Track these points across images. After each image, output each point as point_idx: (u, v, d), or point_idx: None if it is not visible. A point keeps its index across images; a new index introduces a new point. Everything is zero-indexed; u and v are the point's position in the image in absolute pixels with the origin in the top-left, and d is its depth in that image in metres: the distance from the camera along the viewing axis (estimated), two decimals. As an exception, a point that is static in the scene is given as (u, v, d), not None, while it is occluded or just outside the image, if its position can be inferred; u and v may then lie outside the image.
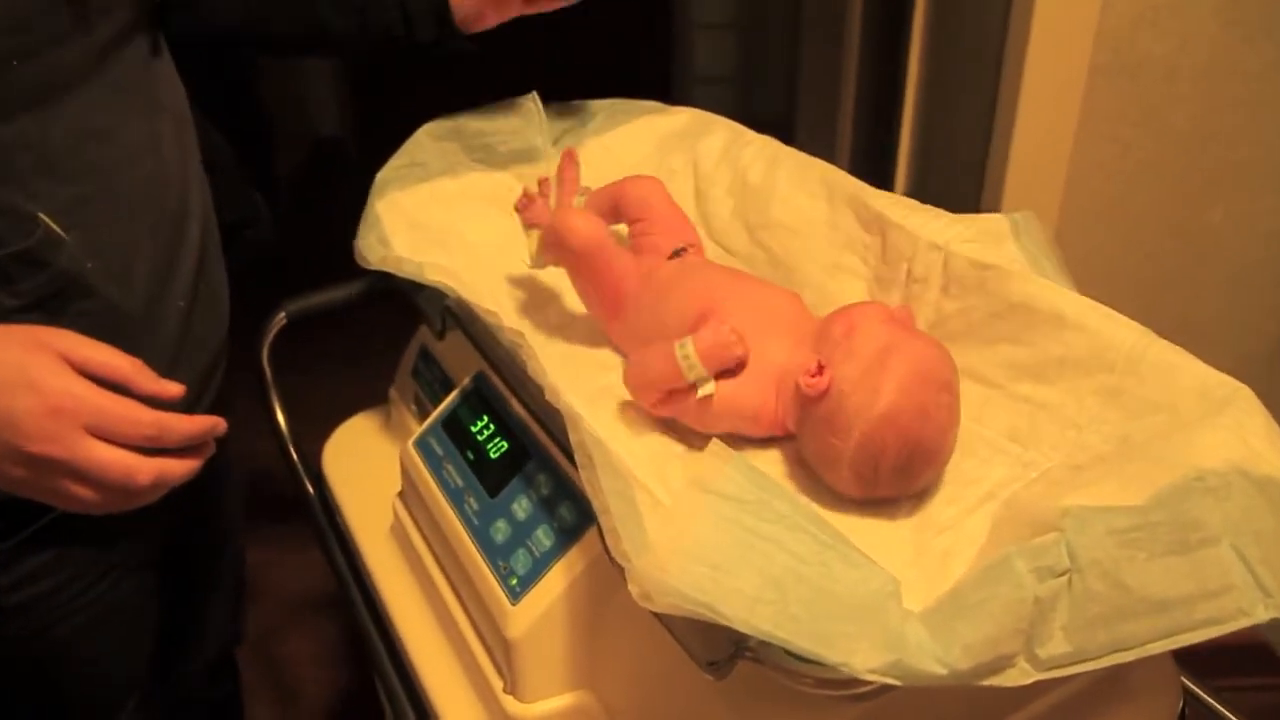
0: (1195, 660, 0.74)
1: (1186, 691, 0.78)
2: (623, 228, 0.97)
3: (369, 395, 1.16)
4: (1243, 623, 0.55)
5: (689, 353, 0.75)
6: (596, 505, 0.63)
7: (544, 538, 0.76)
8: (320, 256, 1.10)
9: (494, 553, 0.79)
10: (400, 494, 0.95)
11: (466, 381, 0.91)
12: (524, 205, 0.96)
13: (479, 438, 0.86)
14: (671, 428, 0.81)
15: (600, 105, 1.13)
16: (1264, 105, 1.37)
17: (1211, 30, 1.31)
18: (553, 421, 0.76)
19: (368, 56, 0.99)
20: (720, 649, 0.60)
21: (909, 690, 0.54)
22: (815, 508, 0.65)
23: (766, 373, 0.78)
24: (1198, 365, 0.70)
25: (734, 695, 0.64)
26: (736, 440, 0.79)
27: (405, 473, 0.92)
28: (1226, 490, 0.58)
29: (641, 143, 1.09)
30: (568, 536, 0.75)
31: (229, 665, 1.27)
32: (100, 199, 0.73)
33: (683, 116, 1.10)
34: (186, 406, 0.85)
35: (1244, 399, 0.66)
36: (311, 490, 1.05)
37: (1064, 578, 0.56)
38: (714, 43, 2.83)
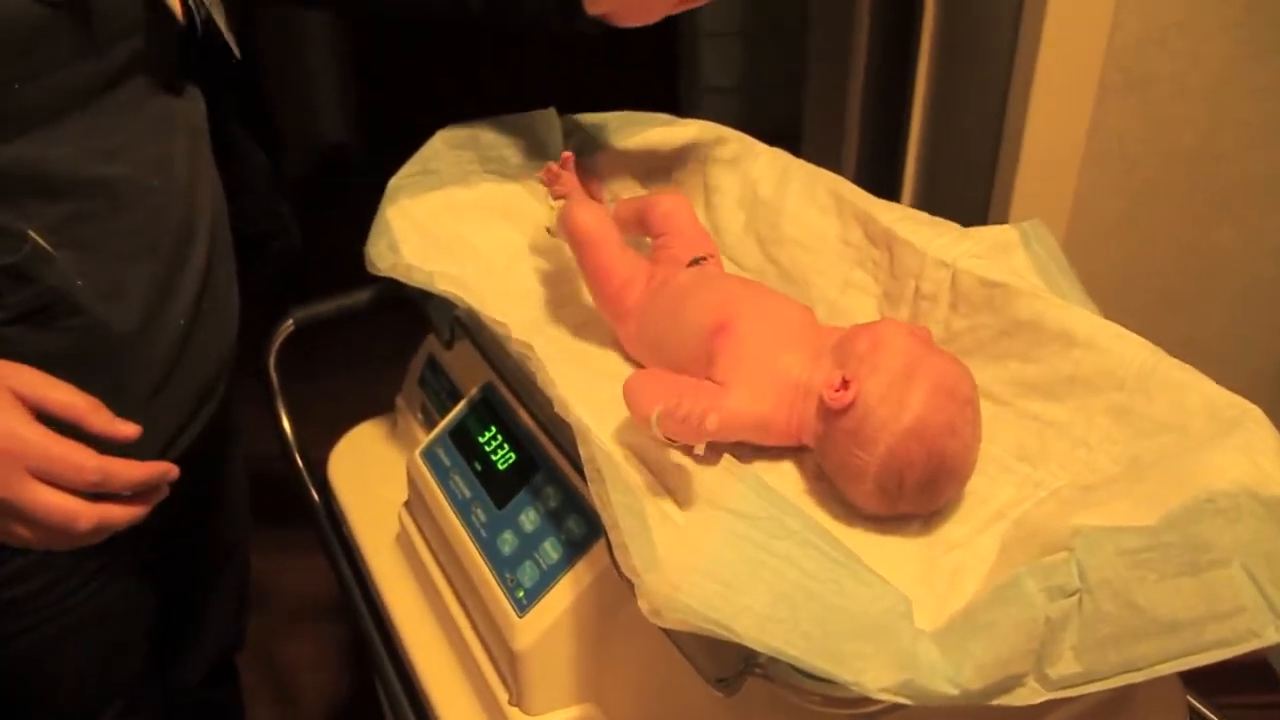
0: (1200, 678, 0.74)
1: (1191, 709, 0.78)
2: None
3: (375, 403, 1.16)
4: (1253, 644, 0.55)
5: (659, 421, 0.71)
6: (606, 519, 0.63)
7: (551, 550, 0.76)
8: (328, 262, 1.10)
9: (501, 564, 0.79)
10: (406, 504, 0.95)
11: (474, 392, 0.91)
12: (550, 179, 0.98)
13: (487, 449, 0.86)
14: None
15: (610, 117, 1.13)
16: (1272, 123, 1.37)
17: (1220, 48, 1.32)
18: (561, 433, 0.76)
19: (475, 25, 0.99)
20: (729, 665, 0.60)
21: (917, 709, 0.54)
22: (827, 525, 0.65)
23: (780, 383, 0.78)
24: (1207, 384, 0.70)
25: (742, 712, 0.64)
26: (747, 453, 0.79)
27: (412, 482, 0.92)
28: (1237, 512, 0.58)
29: (652, 155, 1.09)
30: (575, 549, 0.75)
31: (229, 669, 1.26)
32: (99, 216, 0.73)
33: (692, 128, 1.11)
34: (182, 424, 0.86)
35: (1254, 419, 0.66)
36: (316, 497, 1.05)
37: (1074, 598, 0.56)
38: (721, 52, 2.84)
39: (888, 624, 0.55)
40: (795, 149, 1.05)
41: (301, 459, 1.07)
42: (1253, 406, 0.67)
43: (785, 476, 0.78)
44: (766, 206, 1.02)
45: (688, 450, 0.71)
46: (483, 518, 0.82)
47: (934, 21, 1.57)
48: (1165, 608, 0.55)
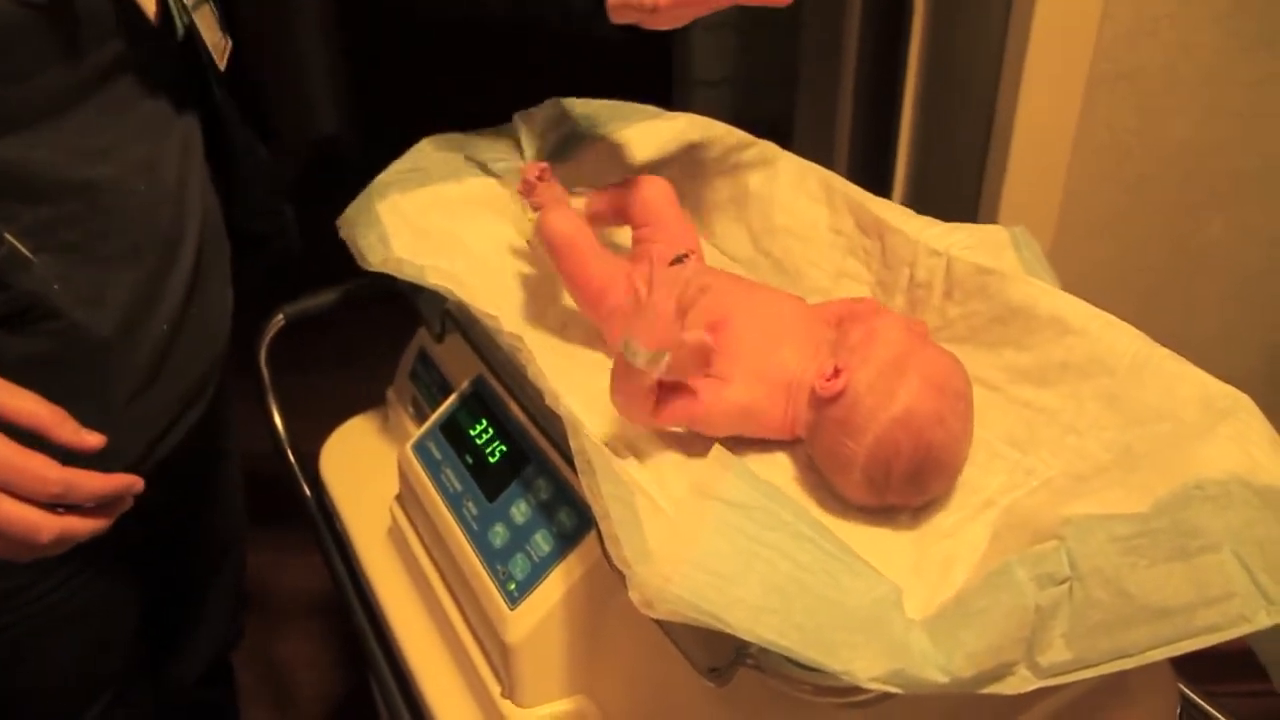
0: (1191, 665, 0.75)
1: (1183, 697, 0.79)
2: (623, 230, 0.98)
3: (366, 397, 1.16)
4: (1244, 629, 0.55)
5: (629, 342, 0.73)
6: (596, 511, 0.63)
7: (543, 542, 0.76)
8: (318, 257, 1.10)
9: (492, 557, 0.79)
10: (398, 497, 0.95)
11: (465, 385, 0.91)
12: (526, 190, 0.97)
13: (478, 442, 0.86)
14: (671, 432, 0.81)
15: (599, 108, 1.13)
16: (1263, 115, 1.37)
17: (1210, 40, 1.32)
18: (552, 426, 0.76)
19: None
20: (721, 656, 0.60)
21: (910, 697, 0.54)
22: (818, 515, 0.65)
23: (775, 376, 0.78)
24: (1200, 374, 0.70)
25: (734, 702, 0.64)
26: (739, 444, 0.79)
27: (403, 476, 0.92)
28: (1227, 499, 0.58)
29: (640, 147, 1.09)
30: (567, 541, 0.75)
31: (225, 668, 1.26)
32: (81, 220, 0.72)
33: (680, 121, 1.11)
34: (167, 427, 0.85)
35: (1246, 410, 0.66)
36: (309, 493, 1.05)
37: (1065, 585, 0.56)
38: (713, 46, 2.84)
39: (879, 614, 0.56)
40: (787, 142, 1.05)
41: (293, 454, 1.07)
42: (1244, 397, 0.68)
43: (778, 467, 0.79)
44: (756, 198, 1.02)
45: (653, 366, 0.71)
46: (474, 510, 0.82)
47: (925, 15, 1.57)
48: (1156, 594, 0.55)
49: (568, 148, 1.10)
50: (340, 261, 0.99)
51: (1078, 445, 0.73)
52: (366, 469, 1.05)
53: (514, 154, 1.09)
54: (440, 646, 0.86)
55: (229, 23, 0.87)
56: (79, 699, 0.92)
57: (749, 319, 0.81)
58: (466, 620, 0.83)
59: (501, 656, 0.77)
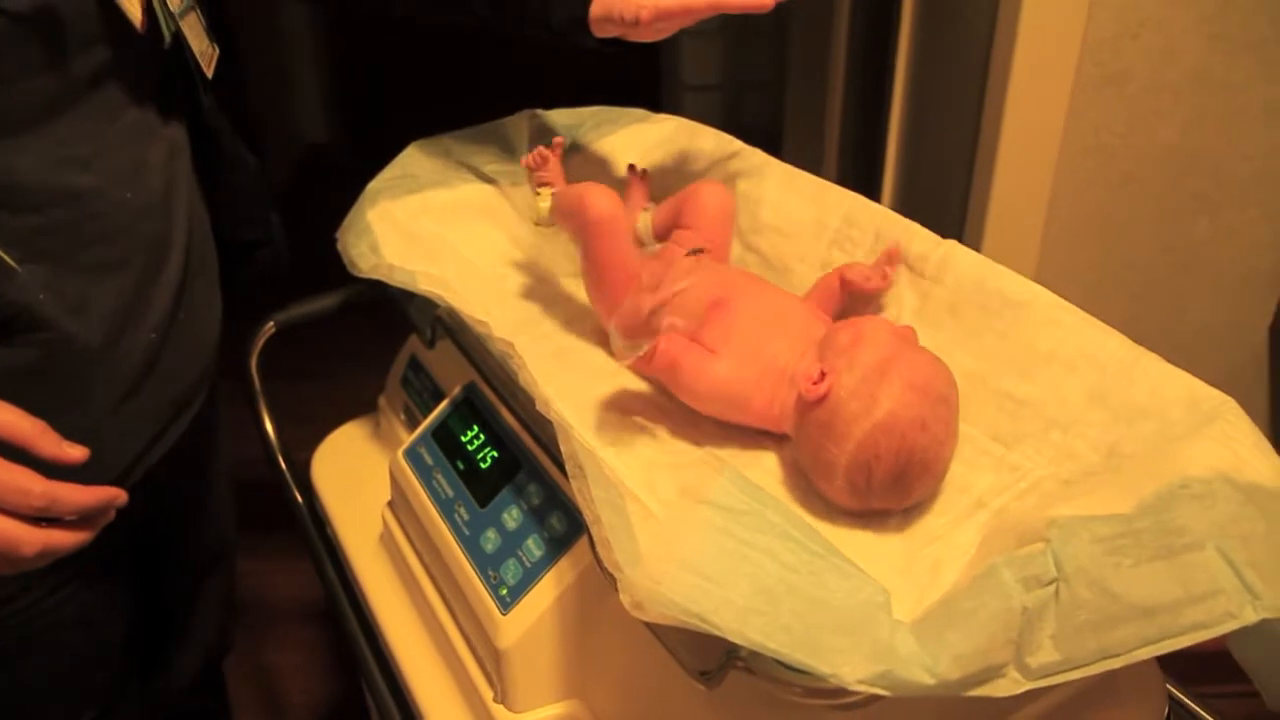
0: (1180, 666, 0.75)
1: (1171, 698, 0.79)
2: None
3: (357, 404, 1.16)
4: (1231, 625, 0.55)
5: (611, 328, 0.75)
6: (587, 515, 0.64)
7: (534, 547, 0.77)
8: (309, 264, 1.10)
9: (484, 562, 0.79)
10: (390, 503, 0.95)
11: (457, 391, 0.91)
12: (537, 164, 0.97)
13: (469, 447, 0.86)
14: (662, 437, 0.82)
15: (585, 113, 1.13)
16: (1247, 117, 1.38)
17: (1195, 44, 1.33)
18: (543, 431, 0.76)
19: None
20: (711, 658, 0.60)
21: (899, 699, 0.55)
22: (807, 518, 0.65)
23: (765, 364, 0.78)
24: (1187, 377, 0.71)
25: (725, 704, 0.64)
26: (728, 441, 0.80)
27: (395, 482, 0.92)
28: (1211, 497, 0.59)
29: (627, 152, 1.09)
30: (558, 546, 0.75)
31: (216, 676, 1.26)
32: (66, 229, 0.72)
33: (668, 125, 1.11)
34: (155, 436, 0.85)
35: (1232, 412, 0.67)
36: (300, 499, 1.05)
37: (1051, 587, 0.56)
38: (702, 51, 2.84)
39: (866, 616, 0.56)
40: (776, 147, 1.06)
41: (284, 461, 1.07)
42: (1230, 400, 0.68)
43: (766, 470, 0.79)
44: (744, 198, 1.02)
45: (633, 354, 0.74)
46: (465, 516, 0.82)
47: (912, 20, 1.58)
48: (1141, 593, 0.55)
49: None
50: (331, 269, 1.00)
51: (1062, 442, 0.74)
52: (358, 476, 1.05)
53: (504, 157, 1.10)
54: (432, 652, 0.86)
55: (219, 30, 0.87)
56: (67, 710, 0.91)
57: (749, 305, 0.82)
58: (459, 626, 0.83)
59: (494, 661, 0.77)
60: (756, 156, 1.05)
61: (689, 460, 0.78)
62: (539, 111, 1.13)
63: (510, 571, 0.77)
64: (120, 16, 0.71)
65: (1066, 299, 0.79)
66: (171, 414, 0.86)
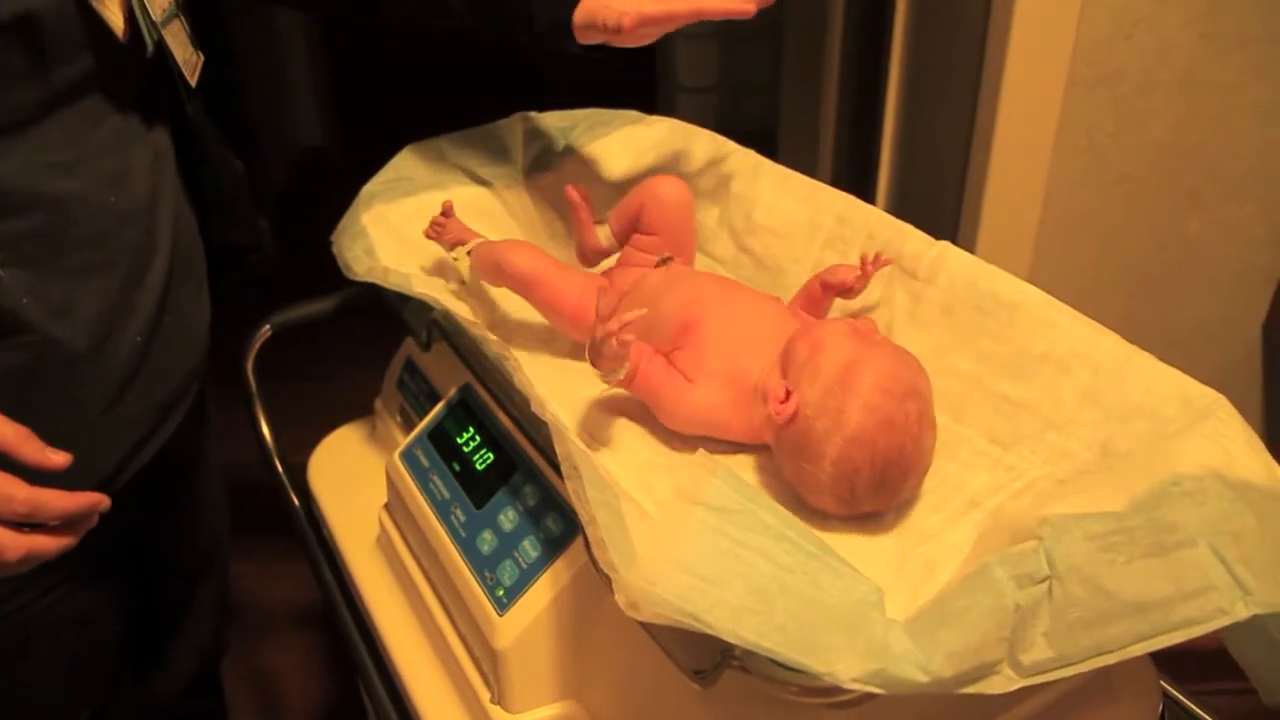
0: (1174, 663, 0.75)
1: (1166, 695, 0.79)
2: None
3: (354, 406, 1.16)
4: (1222, 621, 0.55)
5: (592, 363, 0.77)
6: (583, 516, 0.64)
7: (530, 549, 0.77)
8: (305, 267, 1.10)
9: (480, 564, 0.79)
10: (386, 505, 0.95)
11: (453, 393, 0.91)
12: (435, 234, 0.98)
13: (465, 449, 0.86)
14: (656, 438, 0.82)
15: (579, 116, 1.14)
16: (1239, 115, 1.39)
17: (1186, 43, 1.33)
18: (539, 432, 0.76)
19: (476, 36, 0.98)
20: (706, 658, 0.60)
21: (894, 697, 0.55)
22: (800, 518, 0.65)
23: (740, 385, 0.79)
24: (1180, 375, 0.71)
25: (720, 704, 0.64)
26: (718, 445, 0.80)
27: (391, 484, 0.93)
28: (1203, 494, 0.59)
29: (621, 154, 1.10)
30: (554, 547, 0.75)
31: (211, 679, 1.26)
32: (49, 233, 0.72)
33: (662, 127, 1.11)
34: (143, 439, 0.85)
35: (1224, 410, 0.67)
36: (297, 502, 1.05)
37: (1044, 584, 0.57)
38: (697, 53, 2.85)
39: (860, 614, 0.56)
40: (771, 149, 1.06)
41: (281, 463, 1.07)
42: (1222, 398, 0.69)
43: (760, 470, 0.79)
44: (739, 199, 1.03)
45: (613, 378, 0.77)
46: (462, 518, 0.83)
47: (906, 22, 1.59)
48: (1133, 589, 0.56)
49: (549, 157, 1.11)
50: (327, 272, 1.00)
51: (1057, 442, 0.74)
52: (355, 478, 1.05)
53: (498, 159, 1.10)
54: (429, 653, 0.86)
55: (217, 35, 0.87)
56: (63, 711, 0.91)
57: (721, 322, 0.82)
58: (455, 627, 0.84)
59: (490, 662, 0.77)
60: (750, 158, 1.05)
61: (684, 461, 0.79)
62: (532, 114, 1.13)
63: (506, 572, 0.77)
64: (102, 25, 0.72)
65: (1061, 299, 0.79)
66: (159, 417, 0.87)
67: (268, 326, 1.09)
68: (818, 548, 0.60)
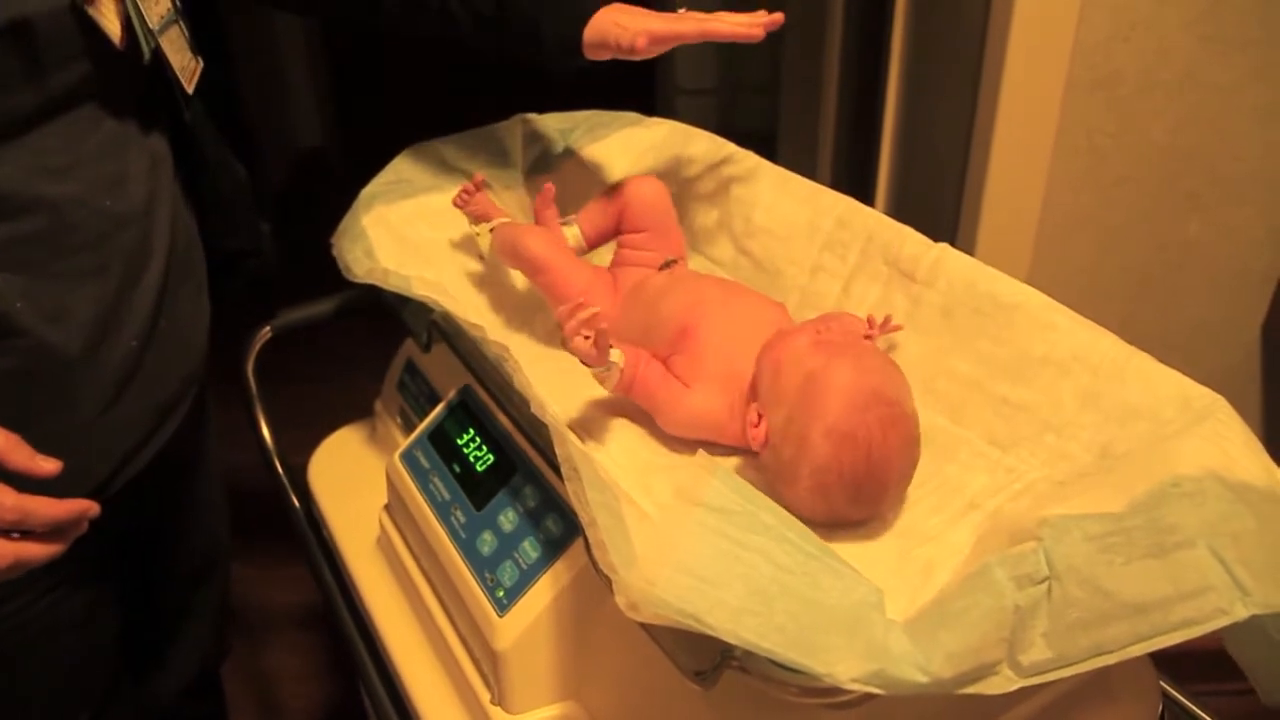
0: (1174, 664, 0.75)
1: (1165, 695, 0.79)
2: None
3: (354, 408, 1.16)
4: (1222, 622, 0.56)
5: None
6: (583, 517, 0.64)
7: (531, 550, 0.77)
8: (305, 268, 1.10)
9: (481, 565, 0.79)
10: (386, 507, 0.95)
11: (453, 394, 0.91)
12: (463, 203, 0.99)
13: (465, 450, 0.86)
14: (656, 439, 0.82)
15: (579, 118, 1.14)
16: (1238, 117, 1.39)
17: (1185, 44, 1.33)
18: (539, 434, 0.76)
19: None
20: (706, 659, 0.60)
21: (894, 698, 0.55)
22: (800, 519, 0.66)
23: (735, 392, 0.79)
24: (1179, 376, 0.71)
25: (720, 705, 0.64)
26: (718, 449, 0.80)
27: (391, 485, 0.93)
28: (1202, 495, 0.59)
29: (621, 156, 1.10)
30: (554, 548, 0.75)
31: (212, 681, 1.26)
32: (46, 237, 0.72)
33: (661, 129, 1.12)
34: (139, 442, 0.85)
35: (1223, 411, 0.67)
36: (297, 503, 1.05)
37: (1043, 585, 0.57)
38: (696, 55, 2.85)
39: (860, 615, 0.56)
40: (770, 151, 1.06)
41: (281, 465, 1.07)
42: (1220, 399, 0.69)
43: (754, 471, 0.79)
44: (738, 201, 1.03)
45: (609, 381, 0.77)
46: (462, 519, 0.83)
47: (905, 24, 1.59)
48: (1132, 590, 0.56)
49: (549, 158, 1.11)
50: (327, 274, 1.00)
51: (1057, 444, 0.74)
52: (355, 479, 1.05)
53: (497, 161, 1.10)
54: (430, 655, 0.86)
55: (214, 34, 0.87)
56: (63, 712, 0.92)
57: (718, 327, 0.83)
58: (455, 628, 0.84)
59: (491, 663, 0.77)
60: (750, 160, 1.05)
61: (684, 462, 0.79)
62: (532, 115, 1.13)
63: (507, 574, 0.77)
64: (99, 33, 0.72)
65: (1060, 300, 0.79)
66: (156, 420, 0.87)
67: (268, 328, 1.09)
68: (817, 549, 0.60)
